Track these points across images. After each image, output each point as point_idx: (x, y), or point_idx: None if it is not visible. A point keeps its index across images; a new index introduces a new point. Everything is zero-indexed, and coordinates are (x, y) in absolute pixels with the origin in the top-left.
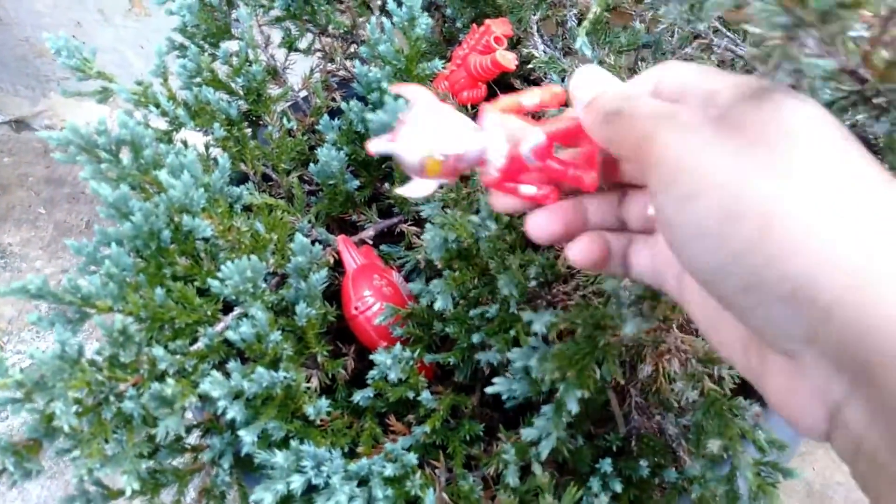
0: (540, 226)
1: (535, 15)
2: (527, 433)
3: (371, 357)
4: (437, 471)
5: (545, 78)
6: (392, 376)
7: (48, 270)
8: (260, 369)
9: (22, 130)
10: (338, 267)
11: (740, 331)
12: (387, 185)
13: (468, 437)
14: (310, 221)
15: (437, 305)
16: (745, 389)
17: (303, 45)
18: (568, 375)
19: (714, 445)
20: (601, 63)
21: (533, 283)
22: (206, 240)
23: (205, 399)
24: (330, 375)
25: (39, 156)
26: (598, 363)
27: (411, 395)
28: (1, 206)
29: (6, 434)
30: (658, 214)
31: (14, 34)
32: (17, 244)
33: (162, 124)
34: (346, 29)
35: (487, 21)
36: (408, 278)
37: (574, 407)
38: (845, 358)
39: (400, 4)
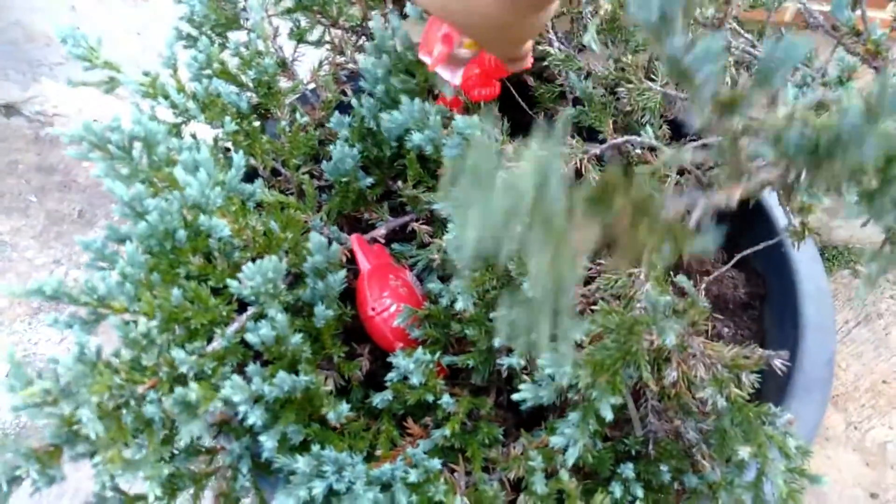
0: None
1: None
2: (555, 440)
3: (390, 360)
4: (455, 474)
5: (560, 76)
6: (414, 380)
7: (40, 261)
8: (282, 373)
9: (12, 116)
10: (349, 265)
11: None
12: (399, 182)
13: (486, 440)
14: (322, 219)
15: (458, 305)
16: (762, 395)
17: (313, 37)
18: (599, 381)
19: (740, 451)
20: (616, 62)
21: None
22: (219, 238)
23: (226, 403)
24: (345, 377)
25: (30, 142)
26: (635, 367)
27: (430, 398)
28: None
29: None
30: None
31: (4, 17)
32: (7, 233)
33: (168, 115)
34: (356, 21)
35: None
36: (420, 277)
37: (609, 414)
38: None
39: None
